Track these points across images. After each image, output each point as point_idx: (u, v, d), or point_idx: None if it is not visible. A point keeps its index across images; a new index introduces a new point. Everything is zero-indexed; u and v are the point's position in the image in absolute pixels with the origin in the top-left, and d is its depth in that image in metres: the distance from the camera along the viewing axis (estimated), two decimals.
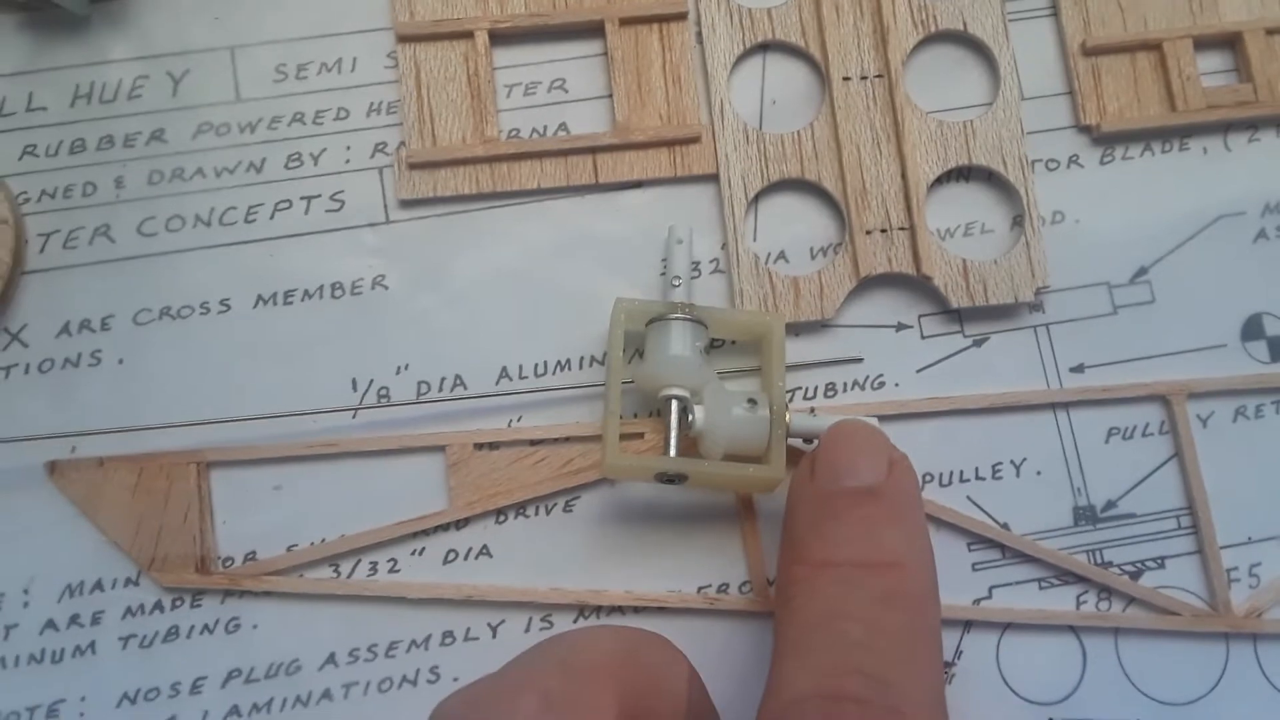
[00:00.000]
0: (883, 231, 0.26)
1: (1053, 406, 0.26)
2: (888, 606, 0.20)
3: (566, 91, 0.27)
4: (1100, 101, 0.28)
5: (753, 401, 0.24)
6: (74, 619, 0.24)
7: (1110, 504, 0.26)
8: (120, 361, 0.25)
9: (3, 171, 0.26)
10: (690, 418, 0.23)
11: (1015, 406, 0.26)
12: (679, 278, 0.25)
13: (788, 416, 0.24)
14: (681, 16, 0.27)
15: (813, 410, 0.26)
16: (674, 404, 0.24)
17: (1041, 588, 0.26)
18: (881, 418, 0.25)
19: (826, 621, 0.20)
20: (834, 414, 0.25)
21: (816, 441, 0.23)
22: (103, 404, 0.25)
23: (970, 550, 0.26)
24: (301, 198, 0.26)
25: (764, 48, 0.28)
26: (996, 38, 0.28)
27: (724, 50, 0.27)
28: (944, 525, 0.26)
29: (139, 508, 0.24)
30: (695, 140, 0.27)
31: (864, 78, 0.27)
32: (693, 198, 0.27)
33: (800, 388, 0.26)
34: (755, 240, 0.27)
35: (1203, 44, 0.28)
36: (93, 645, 0.24)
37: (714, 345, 0.26)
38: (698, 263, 0.27)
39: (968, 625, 0.25)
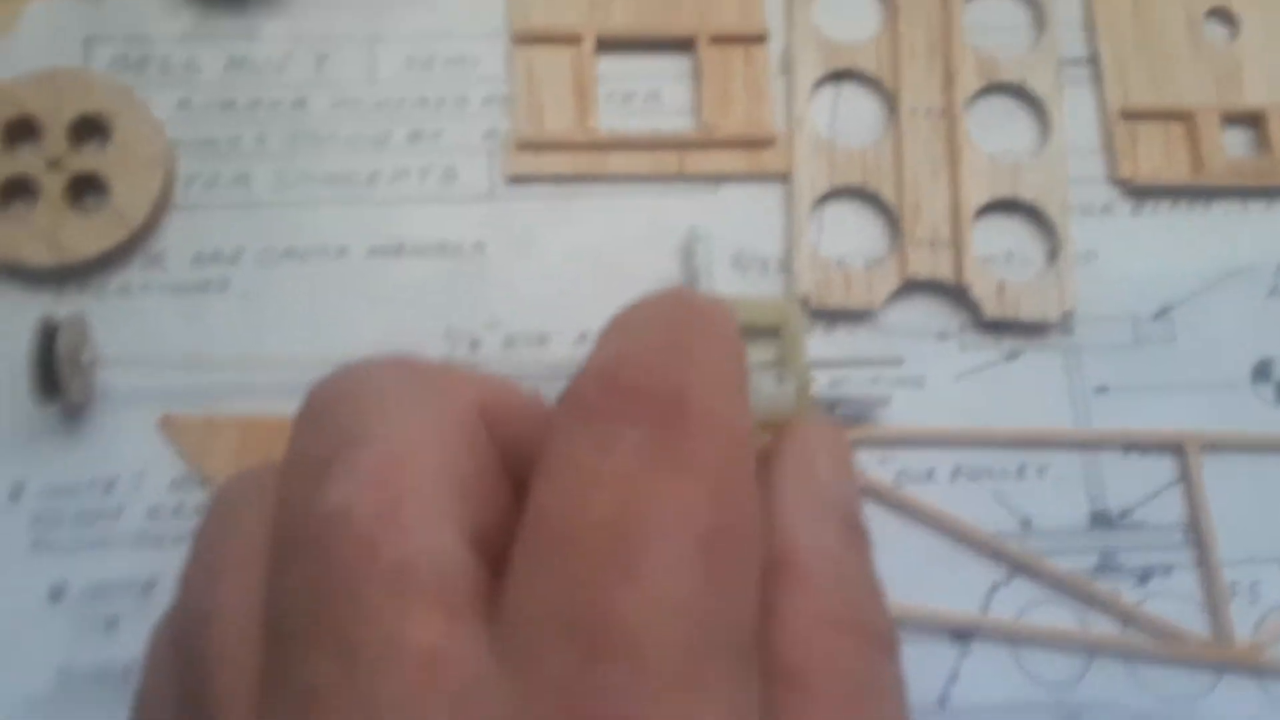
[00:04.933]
0: (931, 244, 0.29)
1: (1079, 446, 0.29)
2: None
3: (659, 103, 0.31)
4: (1135, 159, 0.31)
5: (780, 378, 0.26)
6: (177, 509, 0.27)
7: (1125, 512, 0.28)
8: (245, 291, 0.28)
9: (161, 118, 0.29)
10: None
11: (1040, 443, 0.29)
12: (704, 276, 0.28)
13: (812, 390, 0.27)
14: (762, 39, 0.31)
15: (834, 382, 0.28)
16: None
17: (1048, 602, 0.28)
18: (912, 443, 0.28)
19: None
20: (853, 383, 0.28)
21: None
22: (227, 326, 0.28)
23: (980, 557, 0.28)
24: (419, 169, 0.30)
25: (841, 75, 0.31)
26: (1052, 95, 0.31)
27: (808, 71, 0.31)
28: (958, 533, 0.28)
29: (242, 463, 0.27)
30: (770, 143, 0.30)
31: (929, 111, 0.30)
32: (763, 202, 0.30)
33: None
34: (818, 242, 0.30)
35: (1231, 118, 0.32)
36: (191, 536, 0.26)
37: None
38: (765, 261, 0.30)
39: (970, 635, 0.27)
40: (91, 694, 0.25)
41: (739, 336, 0.19)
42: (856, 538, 0.20)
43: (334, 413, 0.17)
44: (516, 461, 0.18)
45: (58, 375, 0.25)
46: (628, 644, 0.14)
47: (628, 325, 0.19)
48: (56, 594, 0.26)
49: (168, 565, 0.26)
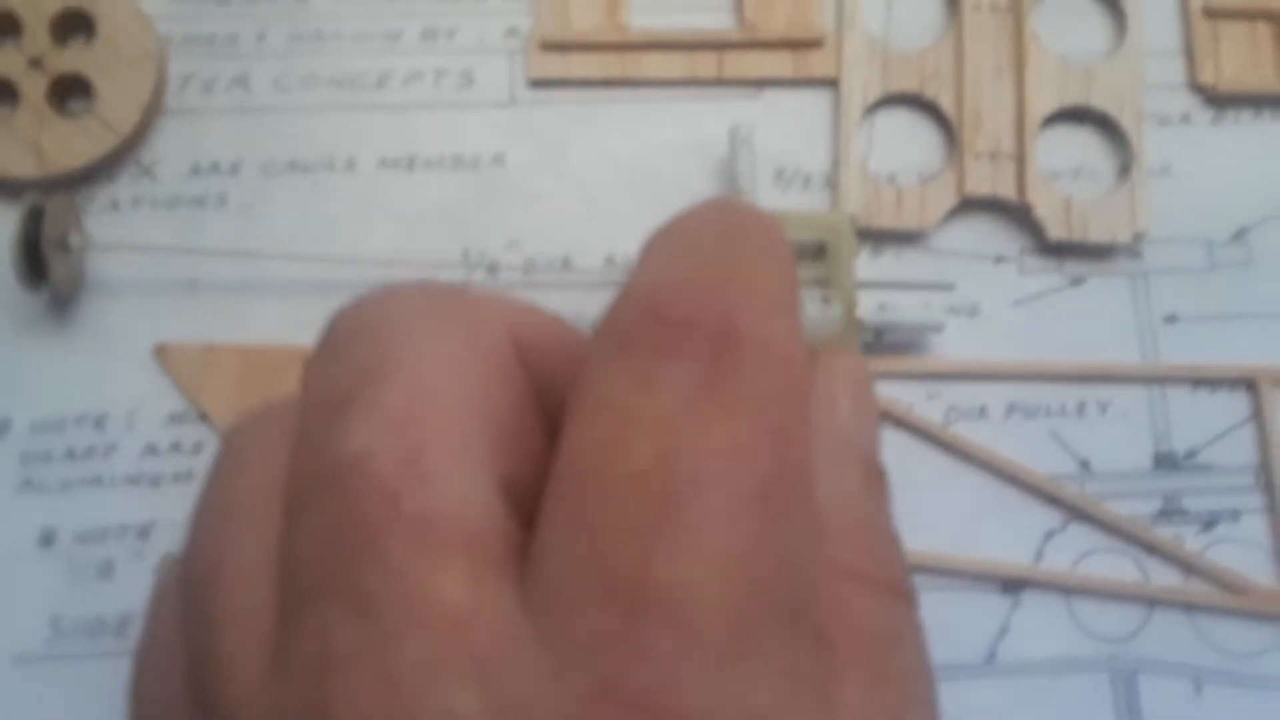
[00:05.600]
0: (991, 157, 0.27)
1: (1145, 380, 0.27)
2: None
3: None
4: (1217, 63, 0.28)
5: (826, 300, 0.24)
6: (175, 445, 0.25)
7: (1191, 453, 0.26)
8: (245, 206, 0.26)
9: (151, 14, 0.26)
10: None
11: (1102, 377, 0.27)
12: (746, 183, 0.26)
13: (860, 311, 0.25)
14: None
15: (882, 305, 0.26)
16: None
17: (1106, 551, 0.26)
18: (964, 376, 0.26)
19: None
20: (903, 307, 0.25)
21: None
22: (225, 245, 0.26)
23: (1034, 502, 0.26)
24: (433, 71, 0.27)
25: None
26: None
27: None
28: (1011, 478, 0.26)
29: (243, 397, 0.25)
30: (818, 44, 0.27)
31: (994, 7, 0.28)
32: (807, 110, 0.28)
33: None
34: (868, 154, 0.27)
35: None
36: (190, 473, 0.25)
37: None
38: (808, 175, 0.27)
39: (1021, 586, 0.26)
40: (85, 646, 0.24)
41: (791, 253, 0.18)
42: (876, 482, 0.19)
43: (355, 345, 0.16)
44: (551, 398, 0.17)
45: (43, 258, 0.23)
46: (673, 608, 0.13)
47: (670, 244, 0.17)
48: (47, 538, 0.24)
49: (165, 506, 0.24)
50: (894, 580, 0.17)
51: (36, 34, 0.26)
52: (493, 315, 0.17)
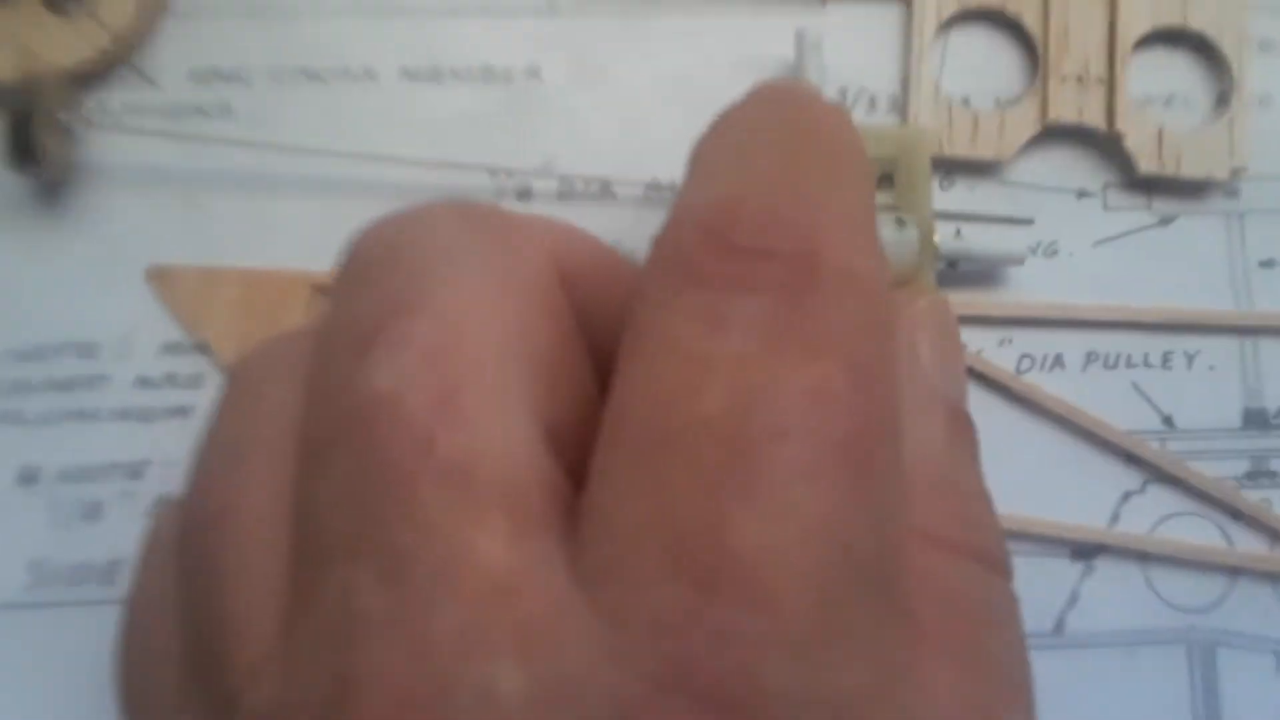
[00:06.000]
0: (1078, 81, 0.24)
1: (1237, 330, 0.24)
2: None
3: None
4: None
5: (901, 221, 0.22)
6: (170, 378, 0.23)
7: None
8: (253, 117, 0.24)
9: None
10: None
11: (1191, 326, 0.24)
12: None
13: (936, 237, 0.22)
14: None
15: (958, 232, 0.24)
16: None
17: (1188, 514, 0.24)
18: (1039, 321, 0.24)
19: None
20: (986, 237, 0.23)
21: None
22: (230, 160, 0.23)
23: (1112, 460, 0.24)
24: None
25: None
26: None
27: None
28: (1087, 434, 0.24)
29: (246, 327, 0.23)
30: None
31: None
32: (876, 24, 0.25)
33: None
34: (941, 75, 0.25)
35: None
36: (187, 408, 0.23)
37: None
38: (874, 97, 0.25)
39: (1095, 551, 0.24)
40: (70, 593, 0.22)
41: (866, 155, 0.16)
42: (963, 433, 0.17)
43: (381, 271, 0.14)
44: (598, 332, 0.15)
45: (33, 134, 0.21)
46: (754, 583, 0.11)
47: (730, 150, 0.15)
48: (28, 477, 0.22)
49: (159, 443, 0.22)
50: (986, 549, 0.15)
51: None
52: (534, 239, 0.15)
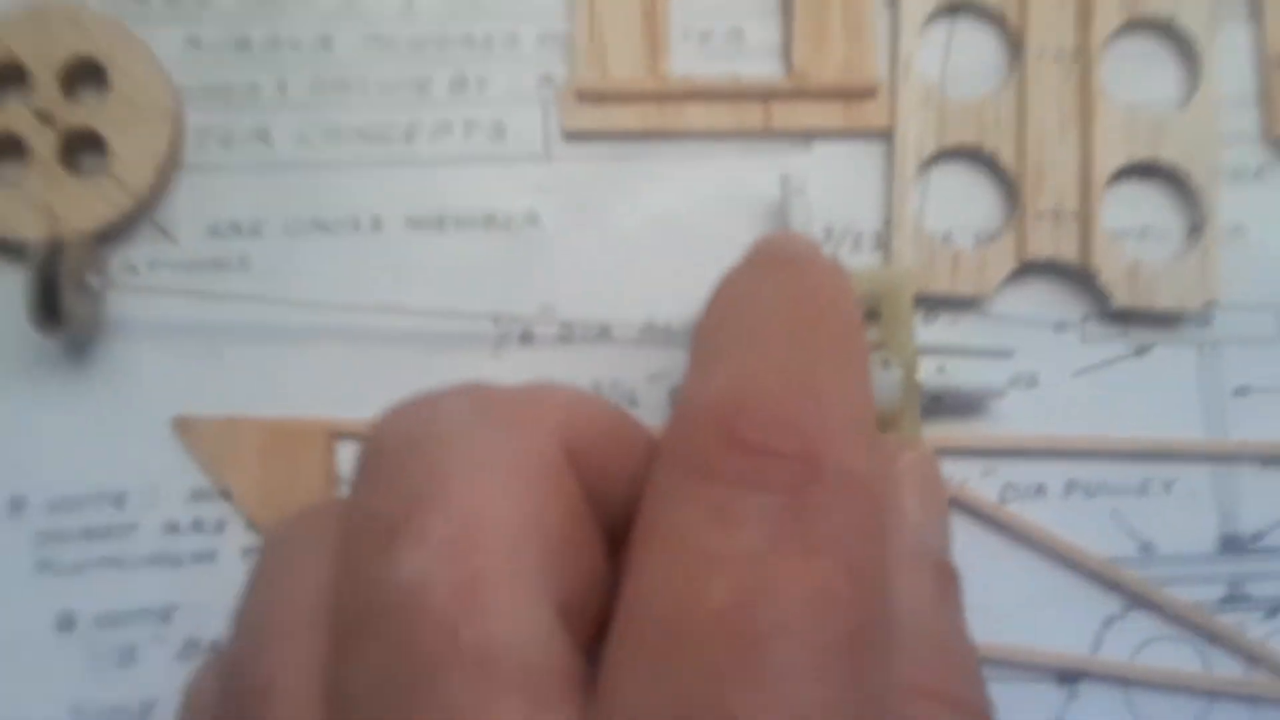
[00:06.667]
0: (1054, 216, 0.25)
1: (1212, 458, 0.25)
2: None
3: (742, 43, 0.26)
4: None
5: (886, 362, 0.23)
6: (196, 524, 0.24)
7: (1259, 535, 0.25)
8: (268, 270, 0.25)
9: (167, 62, 0.25)
10: None
11: (1168, 454, 0.25)
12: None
13: (919, 374, 0.23)
14: None
15: (941, 367, 0.25)
16: None
17: (1167, 639, 0.25)
18: (1021, 451, 0.25)
19: None
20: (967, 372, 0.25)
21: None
22: (248, 312, 0.24)
23: (1093, 587, 0.25)
24: (463, 123, 0.26)
25: (957, 8, 0.26)
26: (1205, 34, 0.26)
27: (917, 3, 0.26)
28: (1069, 561, 0.25)
29: (267, 473, 0.24)
30: (871, 94, 0.26)
31: (1060, 54, 0.26)
32: (859, 164, 0.26)
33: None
34: (922, 212, 0.26)
35: None
36: (212, 552, 0.24)
37: None
38: (859, 235, 0.26)
39: (1079, 676, 0.25)
40: None
41: (864, 332, 0.17)
42: (948, 586, 0.18)
43: (400, 463, 0.15)
44: (606, 502, 0.16)
45: (58, 295, 0.22)
46: None
47: (738, 328, 0.16)
48: (66, 623, 0.23)
49: (187, 588, 0.24)
50: (970, 699, 0.16)
51: (45, 85, 0.24)
52: (543, 418, 0.16)
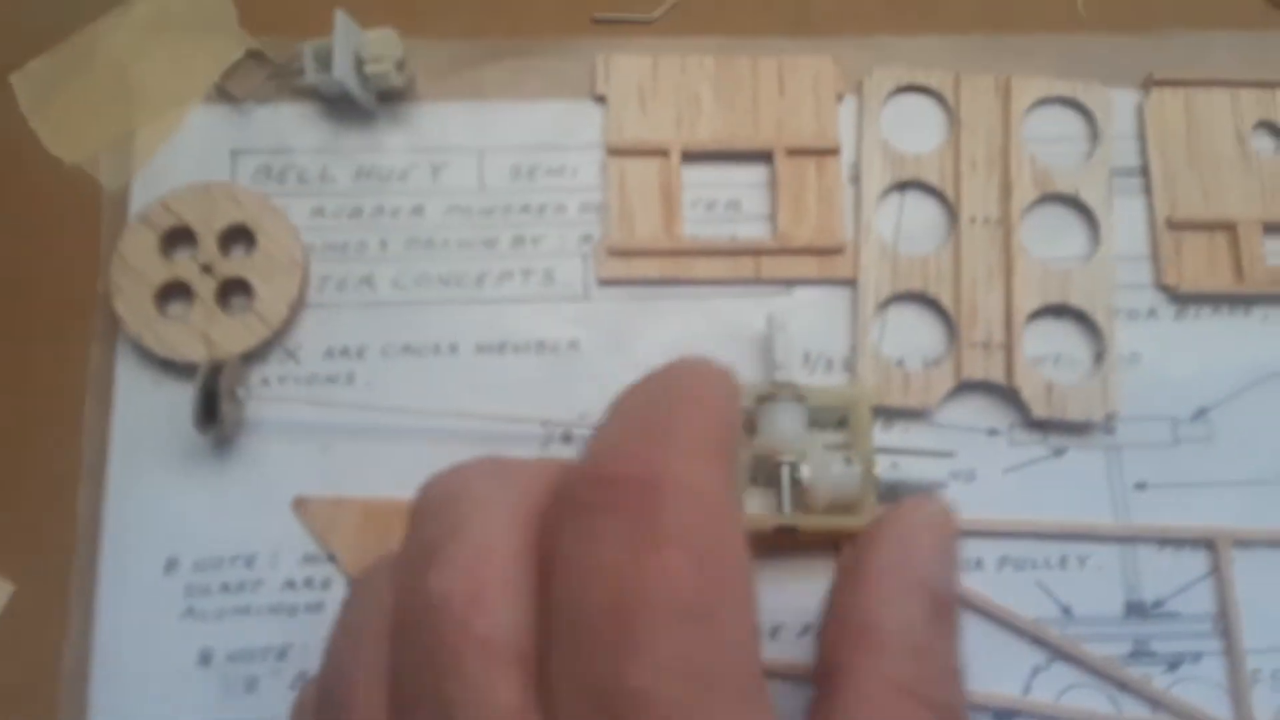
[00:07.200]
0: (985, 346, 0.32)
1: (1118, 539, 0.31)
2: None
3: (739, 210, 0.34)
4: (1179, 267, 0.33)
5: (848, 460, 0.29)
6: (308, 581, 0.30)
7: (1158, 602, 0.31)
8: (369, 383, 0.32)
9: (298, 225, 0.33)
10: (798, 475, 0.28)
11: (1082, 535, 0.31)
12: (781, 360, 0.31)
13: (877, 469, 0.29)
14: (834, 152, 0.34)
15: (895, 464, 0.31)
16: (785, 470, 0.29)
17: (1085, 686, 0.30)
18: (963, 534, 0.31)
19: None
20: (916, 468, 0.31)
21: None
22: (353, 416, 0.31)
23: (1022, 642, 0.31)
24: (521, 271, 0.33)
25: (906, 185, 0.34)
26: (1103, 206, 0.34)
27: (875, 181, 0.34)
28: (1003, 622, 0.31)
29: (364, 542, 0.30)
30: (840, 251, 0.33)
31: (987, 220, 0.33)
32: (831, 305, 0.33)
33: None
34: (880, 343, 0.33)
35: (1272, 228, 0.34)
36: (320, 604, 0.30)
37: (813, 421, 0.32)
38: (830, 360, 0.33)
39: (1012, 715, 0.30)
40: None
41: (731, 398, 0.21)
42: (944, 616, 0.22)
43: (436, 510, 0.21)
44: None
45: (217, 404, 0.29)
46: (643, 706, 0.17)
47: (619, 408, 0.21)
48: (205, 658, 0.30)
49: (300, 631, 0.30)
50: (944, 703, 0.20)
51: (207, 244, 0.32)
52: (538, 479, 0.21)
